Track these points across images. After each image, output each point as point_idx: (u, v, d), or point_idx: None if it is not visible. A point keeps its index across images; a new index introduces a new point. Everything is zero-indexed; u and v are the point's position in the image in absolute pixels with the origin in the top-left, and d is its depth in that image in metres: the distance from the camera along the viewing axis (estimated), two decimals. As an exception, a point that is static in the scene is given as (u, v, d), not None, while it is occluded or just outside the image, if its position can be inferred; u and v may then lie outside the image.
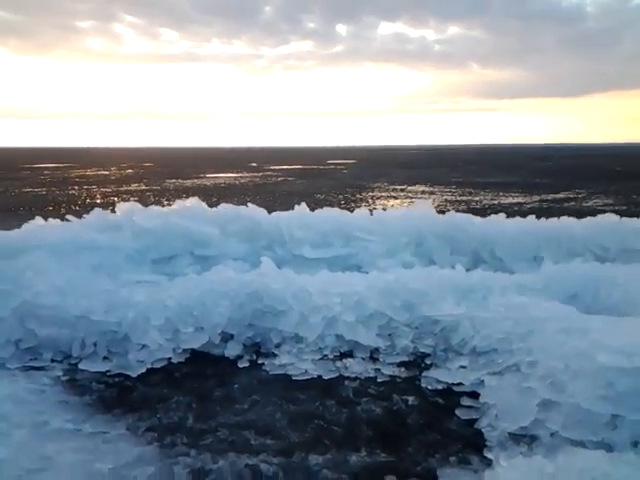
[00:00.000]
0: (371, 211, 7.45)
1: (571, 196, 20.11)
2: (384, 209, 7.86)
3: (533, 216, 7.13)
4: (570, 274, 5.41)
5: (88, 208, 7.26)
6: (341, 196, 19.98)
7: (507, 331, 4.43)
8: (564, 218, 7.02)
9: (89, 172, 37.13)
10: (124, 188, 23.25)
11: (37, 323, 4.83)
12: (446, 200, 18.72)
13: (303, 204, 7.23)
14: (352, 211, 7.36)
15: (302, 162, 56.45)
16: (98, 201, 11.70)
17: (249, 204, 7.12)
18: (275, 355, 4.80)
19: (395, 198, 19.60)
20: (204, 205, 6.99)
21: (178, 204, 7.02)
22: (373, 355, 4.80)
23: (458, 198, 19.39)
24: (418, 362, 4.71)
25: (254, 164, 51.86)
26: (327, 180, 29.68)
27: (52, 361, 4.70)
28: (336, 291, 5.06)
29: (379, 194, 21.05)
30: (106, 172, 37.47)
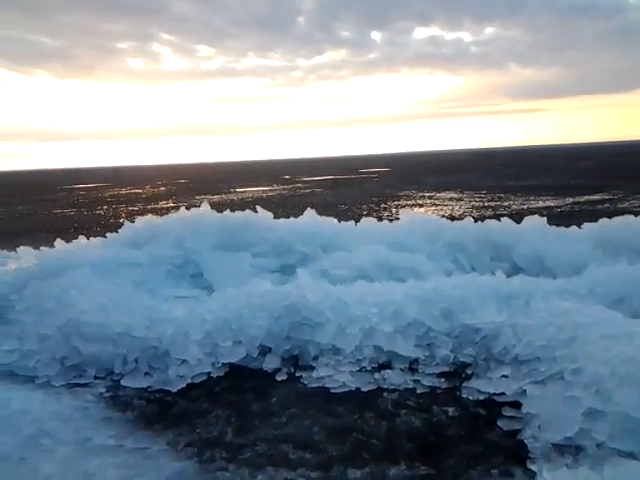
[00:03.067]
0: (386, 219, 7.44)
1: (606, 197, 19.40)
2: (397, 218, 7.81)
3: (577, 220, 6.97)
4: (615, 277, 5.24)
5: (110, 229, 7.46)
6: (364, 206, 19.78)
7: (550, 338, 4.30)
8: (606, 219, 6.82)
9: (122, 191, 37.84)
10: (151, 206, 23.45)
11: (81, 340, 4.95)
12: (473, 206, 18.33)
13: (311, 210, 7.24)
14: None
15: (335, 172, 56.30)
16: (121, 220, 11.78)
17: (255, 210, 7.18)
18: (313, 368, 4.78)
19: (421, 206, 19.30)
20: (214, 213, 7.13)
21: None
22: (412, 366, 4.73)
23: (486, 204, 18.97)
24: (458, 372, 4.62)
25: (287, 176, 52.00)
26: (354, 190, 29.48)
27: (95, 378, 4.80)
28: (373, 301, 5.02)
29: (405, 202, 20.78)
30: (139, 190, 38.12)
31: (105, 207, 24.33)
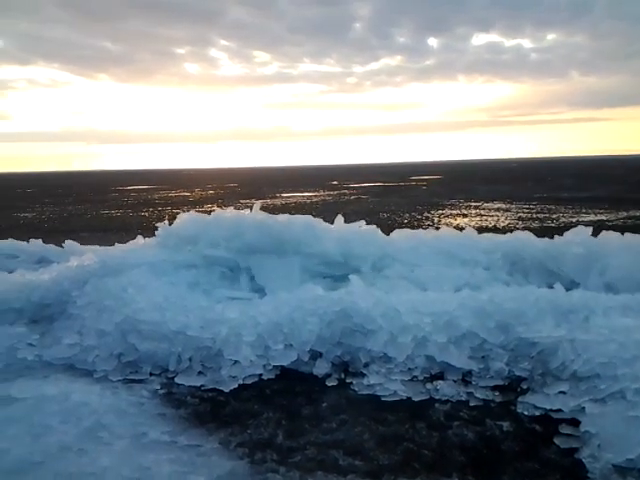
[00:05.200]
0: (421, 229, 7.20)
1: (665, 211, 18.52)
2: (437, 228, 7.58)
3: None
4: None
5: (150, 231, 7.57)
6: (407, 214, 19.43)
7: (611, 355, 4.15)
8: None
9: (172, 194, 38.40)
10: (196, 209, 23.63)
11: (138, 338, 5.09)
12: (520, 217, 17.75)
13: (341, 217, 7.08)
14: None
15: (384, 179, 55.82)
16: (162, 223, 11.68)
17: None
18: (364, 375, 4.76)
19: (465, 216, 18.85)
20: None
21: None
22: (465, 378, 4.65)
23: (534, 215, 18.31)
24: (513, 386, 4.50)
25: (335, 182, 51.89)
26: (399, 198, 29.03)
27: (151, 375, 4.91)
28: (426, 310, 4.96)
29: (449, 212, 20.32)
30: (188, 193, 38.61)
31: (150, 209, 24.79)
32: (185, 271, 6.50)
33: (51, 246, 9.51)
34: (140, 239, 7.38)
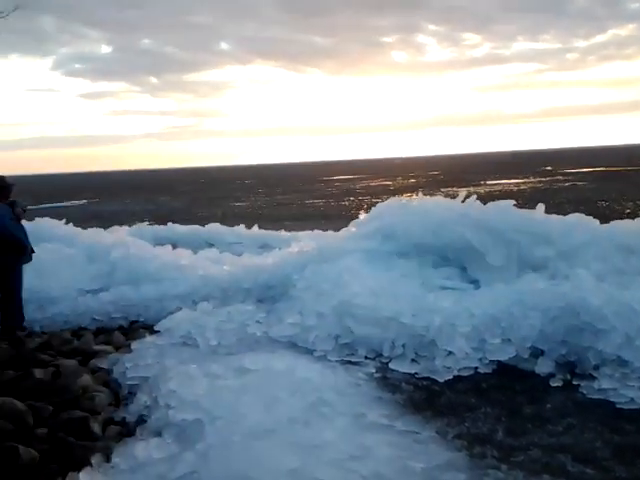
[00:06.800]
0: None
1: None
2: None
3: None
4: None
5: (348, 220, 7.58)
6: (630, 203, 17.12)
7: None
8: None
9: (373, 183, 38.83)
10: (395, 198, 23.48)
11: (353, 321, 5.25)
12: None
13: (541, 206, 6.19)
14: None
15: (607, 164, 50.11)
16: (361, 212, 11.51)
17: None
18: (593, 377, 4.35)
19: None
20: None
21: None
22: None
23: None
24: None
25: (549, 168, 48.14)
26: (624, 185, 25.69)
27: (366, 358, 5.03)
28: (672, 311, 4.37)
29: None
30: (389, 182, 38.73)
31: (352, 198, 25.42)
32: (396, 259, 6.52)
33: (270, 232, 10.31)
34: (352, 227, 7.60)
